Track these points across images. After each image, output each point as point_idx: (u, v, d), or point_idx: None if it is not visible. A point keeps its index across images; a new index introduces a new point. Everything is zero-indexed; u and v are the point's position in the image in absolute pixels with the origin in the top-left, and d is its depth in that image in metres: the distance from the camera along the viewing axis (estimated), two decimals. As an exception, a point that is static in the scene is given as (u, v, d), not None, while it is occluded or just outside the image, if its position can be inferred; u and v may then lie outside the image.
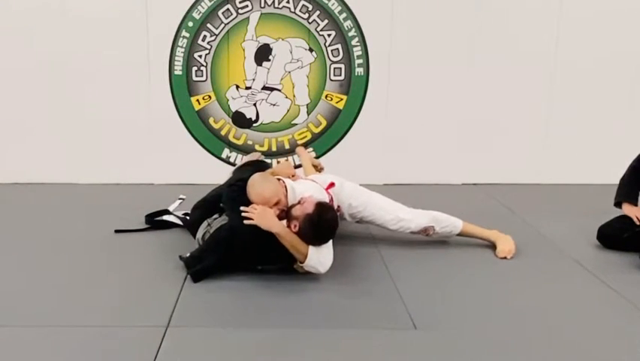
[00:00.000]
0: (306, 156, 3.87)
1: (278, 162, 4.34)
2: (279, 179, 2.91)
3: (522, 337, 2.25)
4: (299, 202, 2.74)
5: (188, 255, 2.77)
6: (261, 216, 2.64)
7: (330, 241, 2.70)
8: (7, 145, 4.36)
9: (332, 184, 3.05)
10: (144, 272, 2.81)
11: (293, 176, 3.12)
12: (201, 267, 2.69)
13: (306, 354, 2.11)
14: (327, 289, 2.63)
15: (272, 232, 2.61)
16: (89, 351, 2.11)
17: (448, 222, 3.15)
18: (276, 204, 2.74)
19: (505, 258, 3.03)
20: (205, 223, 2.92)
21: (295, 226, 2.65)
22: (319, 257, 2.65)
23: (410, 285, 2.68)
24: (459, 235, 3.19)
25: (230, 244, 2.70)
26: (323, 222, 2.65)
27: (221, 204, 2.90)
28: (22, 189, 4.29)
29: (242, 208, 2.66)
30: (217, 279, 2.72)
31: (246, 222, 2.63)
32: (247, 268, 2.79)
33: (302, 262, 2.65)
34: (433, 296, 2.59)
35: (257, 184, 2.77)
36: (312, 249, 2.63)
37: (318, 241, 2.64)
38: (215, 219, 2.91)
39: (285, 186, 2.85)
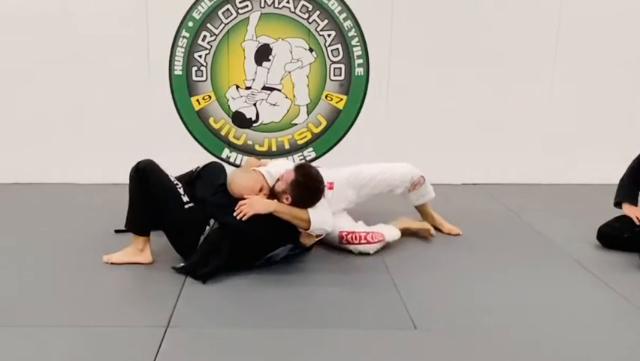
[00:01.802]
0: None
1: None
2: (252, 170, 3.02)
3: (522, 337, 2.25)
4: (278, 180, 2.86)
5: (182, 265, 2.77)
6: (252, 204, 2.74)
7: (324, 200, 2.85)
8: (7, 145, 4.36)
9: (331, 185, 3.08)
10: (144, 272, 2.81)
11: (262, 165, 3.19)
12: (209, 269, 2.70)
13: (306, 354, 2.11)
14: (327, 290, 2.63)
15: (270, 213, 2.71)
16: (89, 351, 2.11)
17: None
18: (260, 190, 2.85)
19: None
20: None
21: (287, 198, 2.78)
22: (321, 216, 2.77)
23: (410, 285, 2.68)
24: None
25: (236, 247, 2.73)
26: (309, 180, 2.80)
27: (209, 215, 2.87)
28: (22, 189, 4.29)
29: (234, 209, 2.73)
30: (217, 279, 2.72)
31: (242, 218, 2.70)
32: (247, 268, 2.80)
33: (307, 229, 2.75)
34: (433, 296, 2.59)
35: (237, 178, 2.89)
36: (311, 212, 2.75)
37: (312, 197, 2.79)
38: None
39: (262, 173, 2.94)
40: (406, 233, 3.27)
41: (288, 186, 2.77)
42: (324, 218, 2.80)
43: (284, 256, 2.88)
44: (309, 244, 2.87)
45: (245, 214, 2.71)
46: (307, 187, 2.77)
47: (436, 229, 3.38)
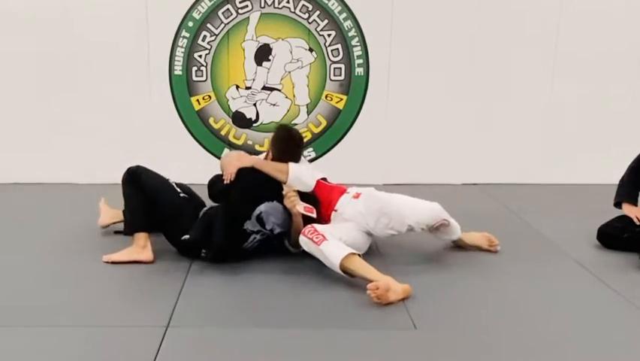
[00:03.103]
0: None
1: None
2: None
3: (522, 337, 2.25)
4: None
5: (187, 237, 2.81)
6: (231, 161, 2.95)
7: (306, 161, 3.05)
8: (7, 145, 4.36)
9: (343, 189, 3.06)
10: (144, 272, 2.81)
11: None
12: (214, 253, 2.81)
13: (306, 354, 2.11)
14: (327, 290, 2.62)
15: (253, 169, 2.93)
16: (89, 351, 2.11)
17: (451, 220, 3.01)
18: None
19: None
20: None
21: (269, 155, 3.06)
22: (299, 169, 2.94)
23: (410, 285, 2.67)
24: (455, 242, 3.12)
25: (229, 209, 2.87)
26: (289, 134, 3.10)
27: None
28: (22, 189, 4.29)
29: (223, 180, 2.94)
30: (217, 279, 2.72)
31: (227, 181, 2.89)
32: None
33: (285, 181, 2.92)
34: (433, 296, 2.59)
35: (224, 159, 3.13)
36: (291, 165, 2.93)
37: (291, 151, 3.03)
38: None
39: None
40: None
41: (270, 144, 3.08)
42: (301, 171, 2.96)
43: (272, 230, 2.82)
44: (296, 210, 2.83)
45: (230, 174, 2.89)
46: (286, 141, 3.04)
47: (478, 248, 3.11)
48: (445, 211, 2.91)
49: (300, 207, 2.83)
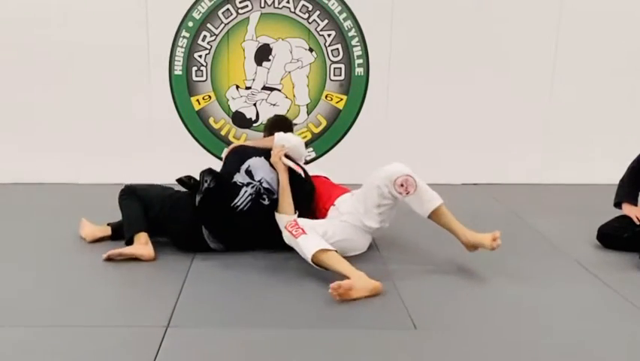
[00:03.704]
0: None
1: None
2: None
3: (522, 337, 2.25)
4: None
5: (184, 176, 2.98)
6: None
7: (298, 138, 3.23)
8: (7, 145, 4.36)
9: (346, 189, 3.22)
10: (144, 272, 2.81)
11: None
12: (205, 173, 2.95)
13: (306, 354, 2.11)
14: (327, 290, 2.62)
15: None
16: (89, 351, 2.11)
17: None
18: None
19: None
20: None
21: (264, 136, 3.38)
22: (287, 136, 3.13)
23: (410, 285, 2.68)
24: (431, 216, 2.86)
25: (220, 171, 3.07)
26: (279, 117, 3.61)
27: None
28: (22, 189, 4.29)
29: None
30: (217, 279, 2.72)
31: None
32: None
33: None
34: (433, 296, 2.59)
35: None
36: (277, 133, 3.15)
37: (281, 120, 3.45)
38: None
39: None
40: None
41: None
42: (288, 136, 3.15)
43: (260, 181, 2.96)
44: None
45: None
46: (274, 120, 3.47)
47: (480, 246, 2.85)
48: (413, 172, 2.81)
49: (287, 161, 2.97)
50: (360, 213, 2.92)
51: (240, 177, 2.97)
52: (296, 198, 2.95)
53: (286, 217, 2.90)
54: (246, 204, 2.92)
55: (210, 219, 2.92)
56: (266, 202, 2.95)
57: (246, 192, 2.94)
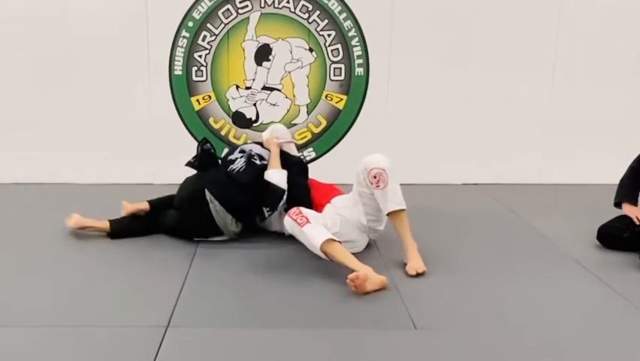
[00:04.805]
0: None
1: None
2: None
3: (522, 337, 2.25)
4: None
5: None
6: None
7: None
8: (7, 145, 4.36)
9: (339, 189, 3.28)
10: (144, 272, 2.81)
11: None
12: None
13: (306, 354, 2.11)
14: (327, 289, 2.63)
15: None
16: (89, 351, 2.11)
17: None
18: None
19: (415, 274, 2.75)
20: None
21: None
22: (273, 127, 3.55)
23: (410, 285, 2.68)
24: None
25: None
26: None
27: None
28: (22, 189, 4.29)
29: None
30: (217, 279, 2.72)
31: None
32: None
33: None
34: (433, 296, 2.59)
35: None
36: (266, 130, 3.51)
37: None
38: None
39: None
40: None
41: None
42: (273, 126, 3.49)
43: (251, 150, 3.28)
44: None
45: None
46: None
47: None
48: (390, 170, 2.83)
49: (280, 141, 3.35)
50: (352, 206, 2.97)
51: (234, 156, 3.28)
52: (290, 170, 3.23)
53: (274, 171, 3.11)
54: (241, 166, 3.19)
55: (212, 181, 3.15)
56: (258, 162, 3.22)
57: (238, 159, 3.24)
